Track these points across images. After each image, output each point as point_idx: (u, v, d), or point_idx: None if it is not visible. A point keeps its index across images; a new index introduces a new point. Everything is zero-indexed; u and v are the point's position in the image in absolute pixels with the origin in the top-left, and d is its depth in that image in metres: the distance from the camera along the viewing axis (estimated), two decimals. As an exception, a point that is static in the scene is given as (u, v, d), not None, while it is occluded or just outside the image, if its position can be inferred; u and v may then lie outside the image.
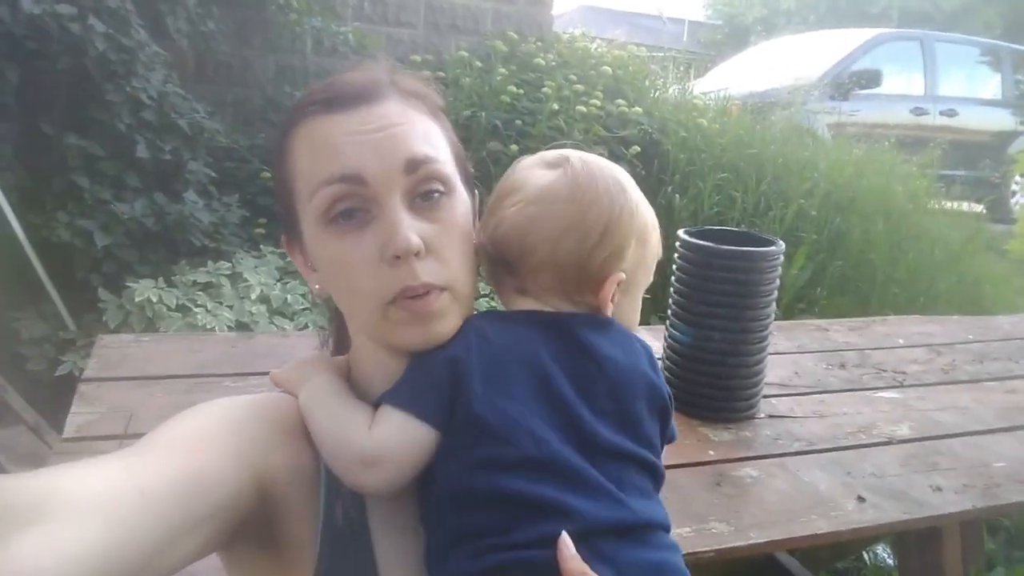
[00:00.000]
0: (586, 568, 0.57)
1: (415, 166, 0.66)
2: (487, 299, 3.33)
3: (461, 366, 0.65)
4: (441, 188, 0.69)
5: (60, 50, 2.98)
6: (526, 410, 0.64)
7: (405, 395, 0.66)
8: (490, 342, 0.68)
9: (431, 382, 0.66)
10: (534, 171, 0.74)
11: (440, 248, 0.67)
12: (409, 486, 0.66)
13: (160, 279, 2.94)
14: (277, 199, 0.74)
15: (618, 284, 0.72)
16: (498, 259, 0.73)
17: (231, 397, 0.71)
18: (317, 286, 0.73)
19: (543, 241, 0.70)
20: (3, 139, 3.01)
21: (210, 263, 3.13)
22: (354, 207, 0.66)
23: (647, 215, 0.76)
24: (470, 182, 0.77)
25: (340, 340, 0.82)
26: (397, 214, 0.65)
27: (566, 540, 0.58)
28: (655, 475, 0.68)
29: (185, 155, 3.36)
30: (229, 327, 2.76)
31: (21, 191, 3.08)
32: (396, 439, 0.64)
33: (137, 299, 2.79)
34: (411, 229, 0.65)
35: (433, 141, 0.70)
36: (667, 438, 0.74)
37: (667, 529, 0.66)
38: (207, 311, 2.82)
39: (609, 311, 0.72)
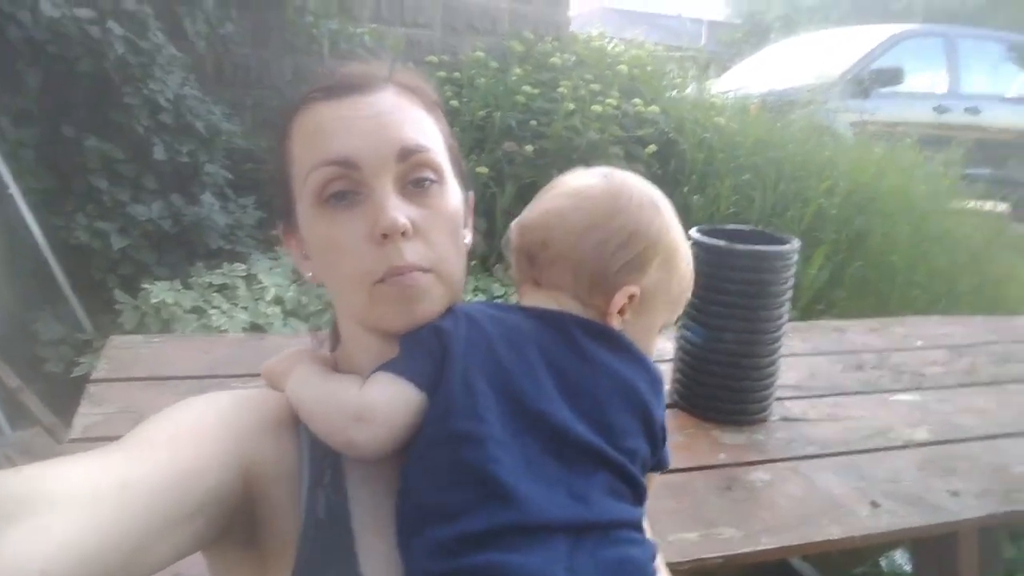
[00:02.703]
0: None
1: (408, 154, 0.68)
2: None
3: (447, 337, 0.66)
4: (433, 176, 0.70)
5: (79, 53, 3.01)
6: (500, 395, 0.63)
7: (395, 362, 0.67)
8: (478, 324, 0.68)
9: (420, 348, 0.67)
10: (577, 176, 0.77)
11: (428, 231, 0.69)
12: (390, 461, 0.66)
13: (176, 281, 2.96)
14: (276, 186, 0.75)
15: (631, 298, 0.71)
16: (522, 248, 0.74)
17: (216, 392, 0.71)
18: (310, 274, 0.74)
19: (566, 233, 0.71)
20: (25, 143, 3.05)
21: (226, 265, 3.16)
22: (346, 189, 0.67)
23: (679, 243, 0.75)
24: (464, 179, 0.78)
25: (336, 337, 0.82)
26: (386, 196, 0.67)
27: None
28: (635, 488, 0.66)
29: (202, 157, 3.39)
30: (244, 328, 2.77)
31: (43, 193, 3.12)
32: (386, 397, 0.64)
33: (153, 301, 2.81)
34: (399, 209, 0.66)
35: (427, 132, 0.71)
36: (659, 465, 0.73)
37: (636, 527, 0.65)
38: (222, 312, 2.84)
39: (615, 323, 0.71)
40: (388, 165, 0.67)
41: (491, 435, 0.61)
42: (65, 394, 2.57)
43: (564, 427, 0.63)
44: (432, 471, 0.63)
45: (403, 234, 0.66)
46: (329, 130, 0.68)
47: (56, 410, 2.51)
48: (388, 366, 0.67)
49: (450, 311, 0.70)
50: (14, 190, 2.91)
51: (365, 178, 0.67)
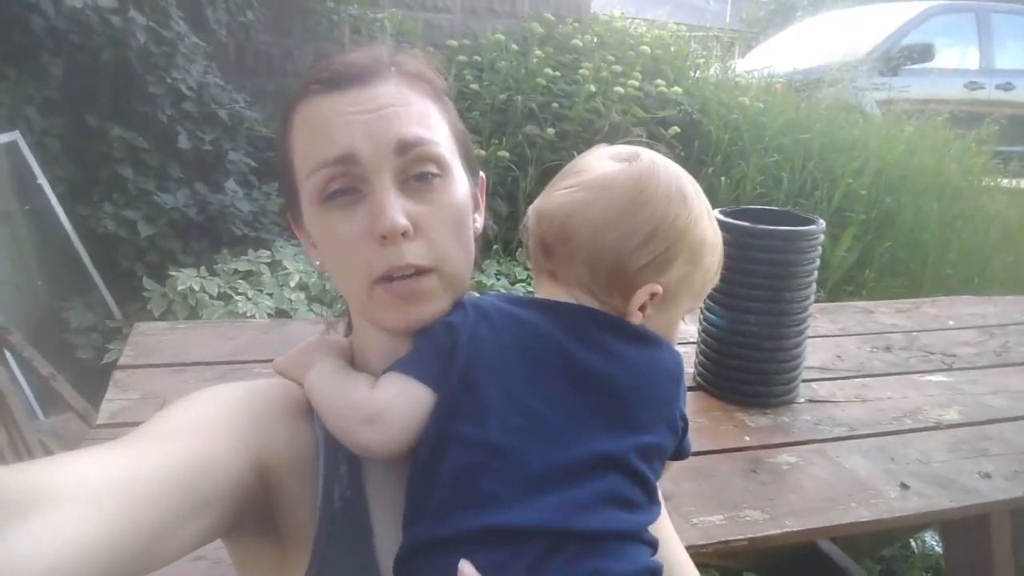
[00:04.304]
0: None
1: (406, 148, 0.66)
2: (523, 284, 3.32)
3: (456, 333, 0.65)
4: (435, 170, 0.67)
5: (102, 43, 3.04)
6: (504, 394, 0.62)
7: (406, 360, 0.66)
8: (488, 319, 0.66)
9: (431, 346, 0.65)
10: (600, 159, 0.72)
11: (430, 229, 0.66)
12: (407, 456, 0.65)
13: (202, 268, 2.99)
14: (280, 177, 0.74)
15: (652, 296, 0.67)
16: (538, 238, 0.70)
17: (229, 383, 0.71)
18: (318, 262, 0.73)
19: (585, 228, 0.67)
20: (50, 133, 3.08)
21: (251, 252, 3.19)
22: (346, 186, 0.66)
23: (707, 234, 0.70)
24: (473, 166, 0.76)
25: (351, 324, 0.81)
26: (386, 194, 0.65)
27: (467, 569, 0.56)
28: (646, 487, 0.64)
29: (225, 145, 3.41)
30: (269, 314, 2.80)
31: (69, 183, 3.16)
32: (396, 398, 0.64)
33: (180, 288, 2.84)
34: (399, 210, 0.64)
35: (429, 123, 0.68)
36: (679, 454, 0.71)
37: (634, 538, 0.62)
38: (248, 299, 2.87)
39: (635, 320, 0.68)
40: (387, 160, 0.65)
41: (486, 439, 0.60)
42: (96, 380, 2.61)
43: (568, 433, 0.61)
44: (426, 470, 0.62)
45: (404, 235, 0.64)
46: (329, 127, 0.66)
47: (88, 396, 2.54)
48: (399, 365, 0.65)
49: (461, 305, 0.68)
50: (43, 180, 2.95)
51: (365, 173, 0.65)
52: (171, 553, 0.54)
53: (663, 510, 0.81)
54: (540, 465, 0.59)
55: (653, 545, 0.64)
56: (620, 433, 0.63)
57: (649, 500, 0.64)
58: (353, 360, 0.75)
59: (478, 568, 0.56)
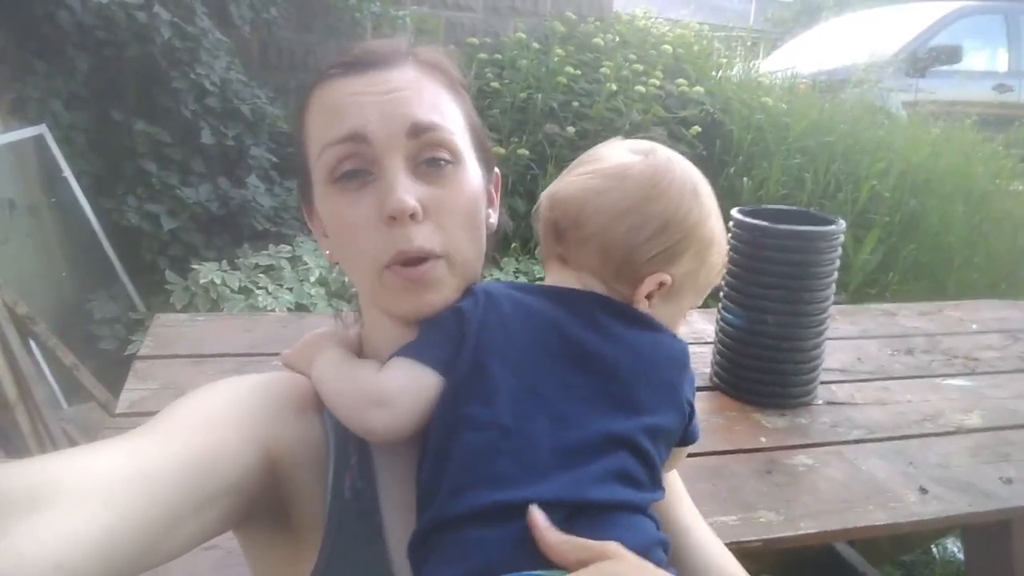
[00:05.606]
0: (564, 536, 0.55)
1: (418, 131, 0.66)
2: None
3: (465, 319, 0.65)
4: (447, 156, 0.67)
5: (127, 38, 3.08)
6: (514, 378, 0.62)
7: (415, 345, 0.66)
8: (497, 304, 0.66)
9: (439, 332, 0.66)
10: (617, 150, 0.73)
11: (440, 214, 0.66)
12: (416, 446, 0.65)
13: (224, 262, 3.02)
14: (296, 161, 0.74)
15: (660, 286, 0.68)
16: (550, 222, 0.71)
17: (238, 376, 0.70)
18: (328, 251, 0.73)
19: (598, 216, 0.68)
20: (76, 127, 3.13)
21: (271, 246, 3.21)
22: (357, 168, 0.66)
23: (715, 232, 0.72)
24: (488, 160, 0.75)
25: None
26: (396, 176, 0.64)
27: (536, 513, 0.56)
28: (651, 468, 0.64)
29: (248, 140, 3.44)
30: (289, 308, 2.82)
31: (94, 176, 3.21)
32: (403, 381, 0.64)
33: (202, 281, 2.87)
34: (408, 191, 0.64)
35: (443, 110, 0.68)
36: (686, 439, 0.71)
37: (640, 511, 0.63)
38: (268, 293, 2.89)
39: (641, 308, 0.69)
40: (398, 141, 0.65)
41: (495, 420, 0.60)
42: (118, 371, 2.63)
43: (576, 415, 0.62)
44: (437, 454, 0.62)
45: (412, 216, 0.64)
46: (342, 107, 0.66)
47: (110, 386, 2.57)
48: (406, 350, 0.65)
49: (470, 291, 0.69)
50: (68, 173, 3.00)
51: (375, 154, 0.65)
52: (179, 547, 0.55)
53: (680, 486, 0.82)
54: (551, 446, 0.60)
55: (657, 522, 0.64)
56: (627, 414, 0.63)
57: (652, 482, 0.65)
58: (360, 351, 0.75)
59: (495, 541, 0.56)
